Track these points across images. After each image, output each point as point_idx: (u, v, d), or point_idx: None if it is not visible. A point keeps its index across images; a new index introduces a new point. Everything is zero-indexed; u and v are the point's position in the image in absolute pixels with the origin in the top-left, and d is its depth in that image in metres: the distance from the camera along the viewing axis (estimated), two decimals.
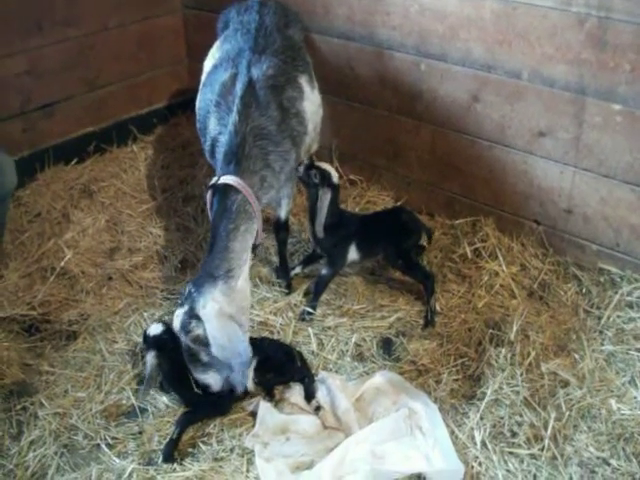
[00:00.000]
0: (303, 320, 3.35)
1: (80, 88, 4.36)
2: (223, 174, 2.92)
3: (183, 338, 2.78)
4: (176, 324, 2.79)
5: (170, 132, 4.76)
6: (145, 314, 3.36)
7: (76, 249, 3.69)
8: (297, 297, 3.49)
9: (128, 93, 4.62)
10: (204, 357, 2.78)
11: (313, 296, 3.43)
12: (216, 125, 3.03)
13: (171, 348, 2.87)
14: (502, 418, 2.84)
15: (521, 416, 2.84)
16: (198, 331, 2.73)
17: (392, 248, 3.40)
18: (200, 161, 4.27)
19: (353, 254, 3.41)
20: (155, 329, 2.90)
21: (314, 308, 3.39)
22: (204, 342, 2.74)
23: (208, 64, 3.35)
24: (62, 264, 3.56)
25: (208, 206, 2.98)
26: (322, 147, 4.14)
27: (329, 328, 3.32)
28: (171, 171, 4.37)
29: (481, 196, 3.80)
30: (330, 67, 4.06)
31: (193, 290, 2.75)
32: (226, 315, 2.72)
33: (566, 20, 3.15)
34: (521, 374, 3.00)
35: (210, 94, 3.11)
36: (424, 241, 3.63)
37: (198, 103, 3.26)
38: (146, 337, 2.90)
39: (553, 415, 2.81)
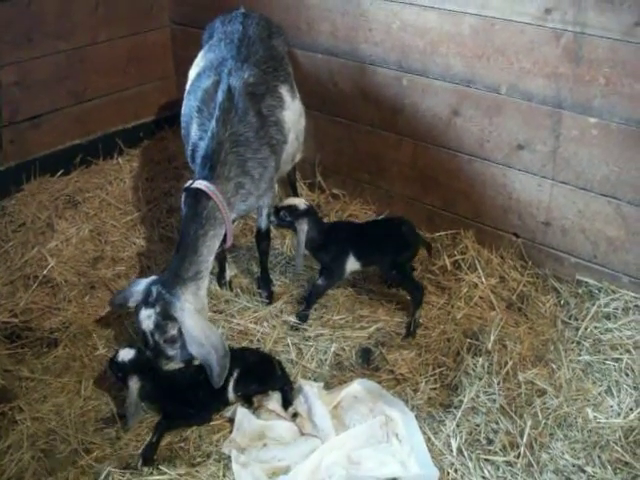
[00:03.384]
0: (293, 330, 3.36)
1: (68, 100, 4.41)
2: (198, 178, 2.98)
3: (157, 337, 2.87)
4: (148, 324, 2.85)
5: (156, 146, 4.81)
6: (126, 322, 3.37)
7: (59, 258, 3.72)
8: (278, 307, 3.51)
9: (115, 107, 4.67)
10: (170, 352, 2.92)
11: (305, 305, 3.44)
12: (197, 131, 3.08)
13: (150, 367, 2.88)
14: (478, 425, 2.86)
15: (497, 424, 2.86)
16: (173, 332, 2.85)
17: (388, 259, 3.41)
18: (185, 174, 4.32)
19: (353, 264, 3.40)
20: (128, 354, 2.83)
21: (305, 317, 3.41)
22: (173, 340, 2.87)
23: (193, 72, 3.41)
24: (45, 272, 3.59)
25: (182, 207, 3.04)
26: (306, 161, 4.21)
27: (309, 338, 3.34)
28: (156, 183, 4.40)
29: (461, 209, 3.85)
30: (314, 82, 4.13)
31: (164, 292, 2.83)
32: (199, 314, 2.84)
33: (543, 35, 3.22)
34: (498, 383, 3.02)
35: (193, 101, 3.17)
36: (424, 254, 3.66)
37: (183, 109, 3.31)
38: (122, 364, 2.81)
39: (529, 423, 2.83)
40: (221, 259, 3.60)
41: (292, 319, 3.42)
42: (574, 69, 3.18)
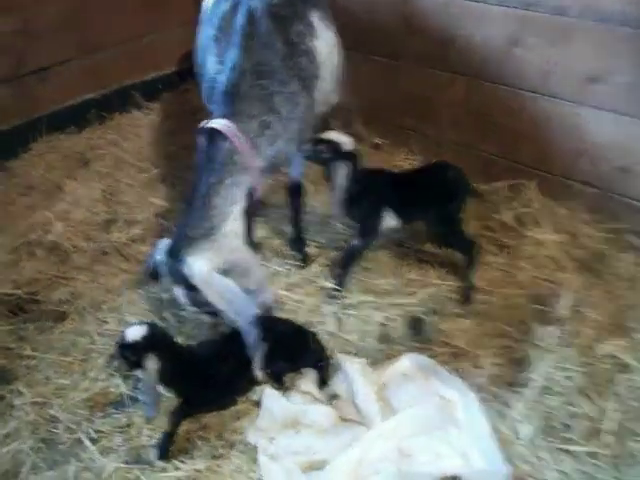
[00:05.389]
0: (331, 297, 2.94)
1: (78, 51, 4.00)
2: (215, 117, 2.52)
3: (208, 309, 2.49)
4: (184, 300, 2.50)
5: (177, 99, 4.38)
6: (140, 291, 2.97)
7: (67, 222, 3.33)
8: (313, 271, 3.07)
9: (132, 57, 4.26)
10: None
11: (341, 270, 3.00)
12: (215, 63, 2.62)
13: (166, 342, 2.46)
14: (553, 409, 2.41)
15: (575, 406, 2.41)
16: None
17: (436, 211, 2.93)
18: None
19: (390, 220, 2.93)
20: (139, 331, 2.36)
21: (342, 285, 2.98)
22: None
23: (208, 1, 2.93)
24: (51, 237, 3.21)
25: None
26: (341, 108, 3.70)
27: (350, 306, 2.91)
28: (177, 137, 3.97)
29: (523, 156, 3.36)
30: (349, 16, 3.63)
31: (173, 263, 2.42)
32: (218, 272, 2.40)
33: None
34: (574, 358, 2.55)
35: (209, 29, 2.72)
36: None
37: (197, 43, 2.86)
38: (135, 344, 2.33)
39: (613, 405, 2.38)
40: (249, 218, 3.15)
41: (329, 284, 2.99)
42: None
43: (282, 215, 3.38)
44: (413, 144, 3.73)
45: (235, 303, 2.39)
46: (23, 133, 3.82)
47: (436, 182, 2.95)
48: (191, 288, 2.42)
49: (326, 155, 2.81)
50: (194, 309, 2.53)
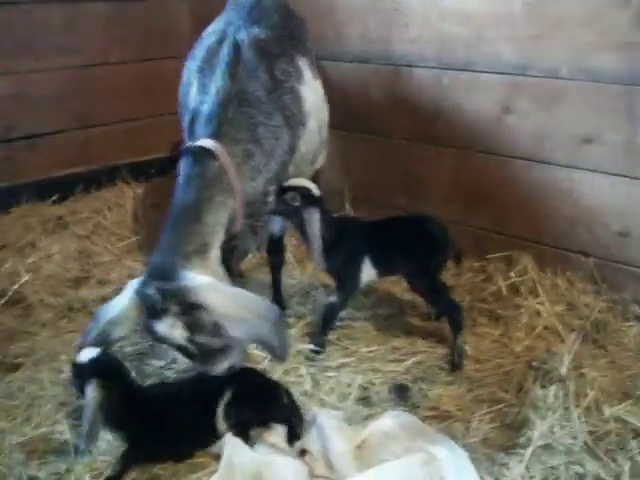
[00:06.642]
0: (309, 359, 2.71)
1: (70, 123, 4.00)
2: (200, 137, 2.39)
3: (202, 339, 2.17)
4: (181, 334, 2.14)
5: (167, 181, 4.30)
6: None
7: (37, 275, 3.14)
8: (290, 334, 2.82)
9: (124, 137, 4.24)
10: (217, 344, 2.20)
11: (320, 330, 2.78)
12: (197, 95, 2.55)
13: (117, 373, 2.21)
14: (556, 468, 2.09)
15: (582, 466, 2.09)
16: (210, 317, 2.12)
17: (415, 265, 2.74)
18: None
19: (369, 271, 2.75)
20: (89, 353, 2.15)
21: (322, 346, 2.75)
22: (218, 328, 2.14)
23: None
24: (16, 287, 2.99)
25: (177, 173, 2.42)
26: (332, 191, 3.62)
27: (329, 368, 2.66)
28: (161, 209, 3.83)
29: (517, 228, 3.21)
30: (342, 96, 3.63)
31: (166, 285, 2.11)
32: (219, 285, 2.17)
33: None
34: (578, 417, 2.27)
35: (194, 63, 2.68)
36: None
37: (181, 80, 2.81)
38: (81, 367, 2.13)
39: (626, 467, 2.07)
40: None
41: (308, 346, 2.76)
42: None
43: (259, 286, 3.18)
44: None
45: (251, 308, 2.13)
46: (6, 196, 3.73)
47: (417, 235, 2.77)
48: (193, 309, 2.12)
49: (297, 203, 2.63)
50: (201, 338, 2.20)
